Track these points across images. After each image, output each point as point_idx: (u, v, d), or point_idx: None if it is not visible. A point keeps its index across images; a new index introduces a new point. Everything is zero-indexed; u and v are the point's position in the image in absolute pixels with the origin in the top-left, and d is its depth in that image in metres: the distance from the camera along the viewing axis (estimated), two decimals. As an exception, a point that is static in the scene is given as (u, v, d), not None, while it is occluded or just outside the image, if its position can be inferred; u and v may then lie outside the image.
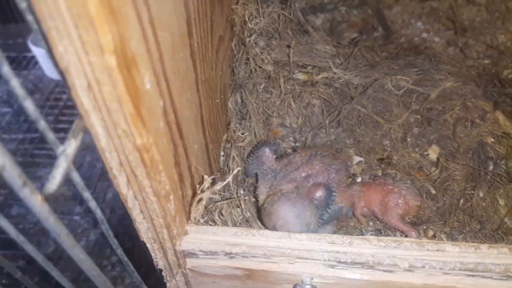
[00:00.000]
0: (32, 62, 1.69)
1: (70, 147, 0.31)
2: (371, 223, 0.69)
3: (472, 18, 1.12)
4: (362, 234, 0.66)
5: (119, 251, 0.43)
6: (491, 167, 0.69)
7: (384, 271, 0.44)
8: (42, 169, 1.45)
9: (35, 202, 0.28)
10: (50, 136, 0.30)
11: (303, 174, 0.60)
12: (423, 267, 0.43)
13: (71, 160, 0.31)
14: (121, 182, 0.38)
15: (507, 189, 0.66)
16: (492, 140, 0.72)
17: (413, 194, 0.65)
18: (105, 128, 0.33)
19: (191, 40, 0.48)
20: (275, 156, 0.62)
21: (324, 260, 0.44)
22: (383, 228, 0.67)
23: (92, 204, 0.37)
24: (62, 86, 1.62)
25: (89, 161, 1.46)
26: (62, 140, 0.32)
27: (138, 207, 0.41)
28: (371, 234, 0.64)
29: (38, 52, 1.50)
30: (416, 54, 0.87)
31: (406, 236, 0.63)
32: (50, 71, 1.59)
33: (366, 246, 0.45)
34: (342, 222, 0.69)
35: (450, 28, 1.08)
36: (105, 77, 0.29)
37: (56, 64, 0.30)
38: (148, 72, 0.35)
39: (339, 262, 0.44)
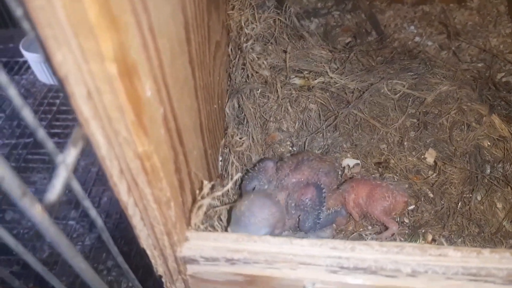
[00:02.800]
0: (24, 67, 1.68)
1: (69, 156, 0.30)
2: (369, 227, 0.69)
3: (464, 22, 1.13)
4: (362, 237, 0.66)
5: (120, 259, 0.43)
6: (488, 171, 0.69)
7: (386, 276, 0.44)
8: (36, 175, 1.43)
9: (35, 212, 0.28)
10: (50, 145, 0.29)
11: (294, 180, 0.61)
12: (426, 272, 0.43)
13: (71, 169, 0.30)
14: (121, 189, 0.37)
15: (504, 193, 0.66)
16: (489, 143, 0.73)
17: (401, 190, 0.66)
18: (106, 136, 0.32)
19: (189, 47, 0.48)
20: (275, 170, 0.62)
21: (327, 265, 0.44)
22: (382, 230, 0.67)
23: (93, 213, 0.36)
24: (56, 91, 1.60)
25: (84, 165, 1.45)
26: (57, 145, 0.31)
27: (138, 214, 0.40)
28: (371, 238, 0.64)
29: (30, 57, 1.49)
30: (410, 58, 0.88)
31: (387, 228, 0.64)
32: (42, 76, 1.58)
33: (369, 252, 0.44)
34: (342, 226, 0.69)
35: (442, 32, 1.09)
36: (106, 85, 0.29)
37: (54, 72, 0.30)
38: (148, 79, 0.34)
39: (342, 267, 0.44)
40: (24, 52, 1.49)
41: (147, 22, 0.34)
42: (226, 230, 0.54)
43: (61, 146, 0.35)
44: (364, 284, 0.45)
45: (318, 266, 0.44)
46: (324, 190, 0.59)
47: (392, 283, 0.44)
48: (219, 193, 0.49)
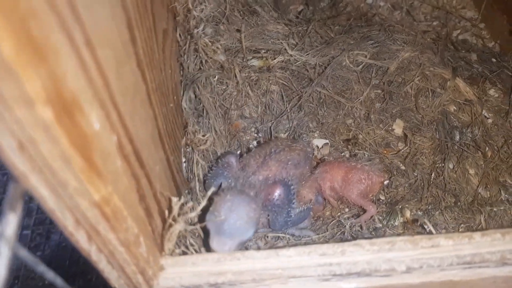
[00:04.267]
0: None
1: (9, 226, 0.24)
2: (346, 209, 0.67)
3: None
4: (341, 223, 0.64)
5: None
6: (457, 137, 0.68)
7: (381, 276, 0.42)
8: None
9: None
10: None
11: (261, 178, 0.56)
12: (421, 267, 0.41)
13: (13, 242, 0.24)
14: (80, 239, 0.31)
15: (476, 158, 0.66)
16: (455, 108, 0.72)
17: (376, 170, 0.64)
18: (51, 189, 0.26)
19: (135, 48, 0.41)
20: (239, 163, 0.57)
21: (318, 275, 0.41)
22: (360, 213, 0.65)
23: (50, 276, 0.30)
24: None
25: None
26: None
27: (104, 259, 0.35)
28: (350, 223, 0.62)
29: None
30: (368, 25, 0.84)
31: (365, 211, 0.62)
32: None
33: (360, 253, 0.42)
34: (319, 213, 0.67)
35: (394, -9, 1.06)
36: (41, 134, 0.23)
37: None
38: (94, 108, 0.28)
39: (334, 275, 0.41)
40: None
41: (82, 35, 0.27)
42: (206, 246, 0.49)
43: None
44: (359, 287, 0.43)
45: (309, 277, 0.41)
46: (292, 187, 0.55)
47: (387, 282, 0.42)
48: (193, 214, 0.44)
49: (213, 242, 0.48)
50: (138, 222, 0.36)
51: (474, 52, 0.84)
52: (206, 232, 0.50)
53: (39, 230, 1.37)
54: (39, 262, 0.28)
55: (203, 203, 0.44)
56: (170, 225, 0.43)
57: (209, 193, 0.47)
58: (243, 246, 0.52)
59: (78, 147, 0.25)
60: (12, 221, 0.24)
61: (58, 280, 0.31)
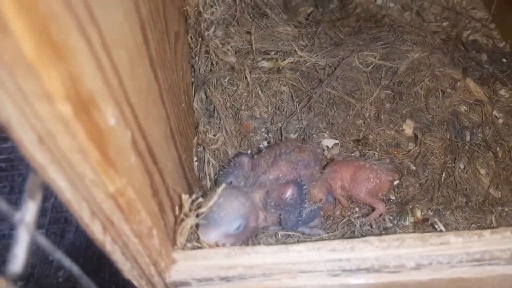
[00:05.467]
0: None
1: (28, 213, 0.25)
2: (356, 209, 0.68)
3: (423, -21, 1.10)
4: (351, 222, 0.64)
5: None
6: (468, 137, 0.68)
7: (390, 272, 0.42)
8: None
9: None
10: (1, 205, 0.24)
11: (271, 177, 0.57)
12: (430, 264, 0.41)
13: (33, 229, 0.25)
14: (95, 230, 0.33)
15: (486, 158, 0.66)
16: (465, 108, 0.72)
17: (385, 169, 0.64)
18: (69, 181, 0.27)
19: (148, 49, 0.42)
20: (251, 164, 0.58)
21: (328, 270, 0.42)
22: (370, 211, 0.65)
23: (67, 263, 0.31)
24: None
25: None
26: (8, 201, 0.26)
27: (118, 250, 0.36)
28: (360, 222, 0.63)
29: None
30: (378, 26, 0.85)
31: (374, 209, 0.62)
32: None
33: (369, 249, 0.42)
34: (329, 212, 0.67)
35: (404, -9, 1.06)
36: (60, 128, 0.24)
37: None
38: (109, 105, 0.29)
39: (343, 270, 0.42)
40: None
41: (98, 37, 0.28)
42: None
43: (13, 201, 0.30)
44: (368, 283, 0.43)
45: (318, 272, 0.42)
46: (304, 187, 0.55)
47: (396, 278, 0.43)
48: (204, 209, 0.45)
49: (200, 231, 0.48)
50: (151, 215, 0.37)
51: (485, 52, 0.83)
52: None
53: (54, 229, 1.39)
54: (56, 249, 0.29)
55: (214, 198, 0.45)
56: (182, 220, 0.44)
57: (220, 190, 0.48)
58: (239, 241, 0.53)
59: (94, 141, 0.26)
60: (31, 208, 0.25)
61: (74, 268, 0.32)
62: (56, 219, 1.39)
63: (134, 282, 0.42)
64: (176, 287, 0.44)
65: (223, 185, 0.51)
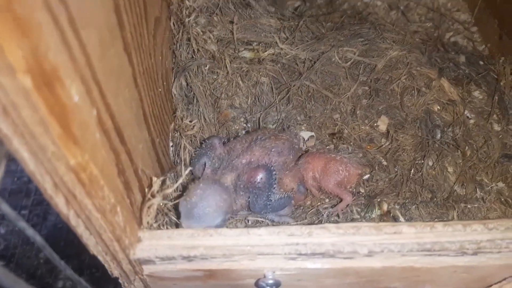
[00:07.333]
0: None
1: (-10, 181, 0.27)
2: (326, 200, 0.70)
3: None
4: (320, 212, 0.66)
5: (69, 272, 0.40)
6: (438, 135, 0.70)
7: (344, 258, 0.44)
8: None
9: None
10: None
11: (244, 161, 0.59)
12: (382, 251, 0.43)
13: (-8, 196, 0.27)
14: (59, 202, 0.34)
15: (455, 157, 0.68)
16: (438, 107, 0.74)
17: (355, 163, 0.66)
18: (31, 152, 0.29)
19: (123, 32, 0.43)
20: (222, 145, 0.60)
21: (285, 254, 0.44)
22: (339, 202, 0.67)
23: (30, 232, 0.33)
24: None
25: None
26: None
27: (82, 225, 0.37)
28: (328, 212, 0.65)
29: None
30: (360, 22, 0.86)
31: (342, 200, 0.65)
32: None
33: (326, 235, 0.44)
34: (300, 202, 0.69)
35: (391, -10, 1.07)
36: (22, 99, 0.25)
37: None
38: (74, 82, 0.30)
39: (300, 254, 0.44)
40: None
41: (65, 15, 0.30)
42: (178, 226, 0.52)
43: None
44: (323, 267, 0.45)
45: (276, 255, 0.44)
46: (274, 172, 0.57)
47: (349, 264, 0.45)
48: (170, 190, 0.47)
49: (183, 224, 0.50)
50: (116, 193, 0.38)
51: (463, 54, 0.85)
52: (179, 215, 0.52)
53: (37, 210, 1.40)
54: (20, 218, 0.31)
55: (181, 179, 0.47)
56: (148, 199, 0.46)
57: (188, 170, 0.49)
58: None
59: (56, 115, 0.28)
60: (-7, 177, 0.27)
61: (38, 238, 0.33)
62: (39, 201, 1.39)
63: (100, 258, 0.44)
64: (140, 264, 0.46)
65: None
